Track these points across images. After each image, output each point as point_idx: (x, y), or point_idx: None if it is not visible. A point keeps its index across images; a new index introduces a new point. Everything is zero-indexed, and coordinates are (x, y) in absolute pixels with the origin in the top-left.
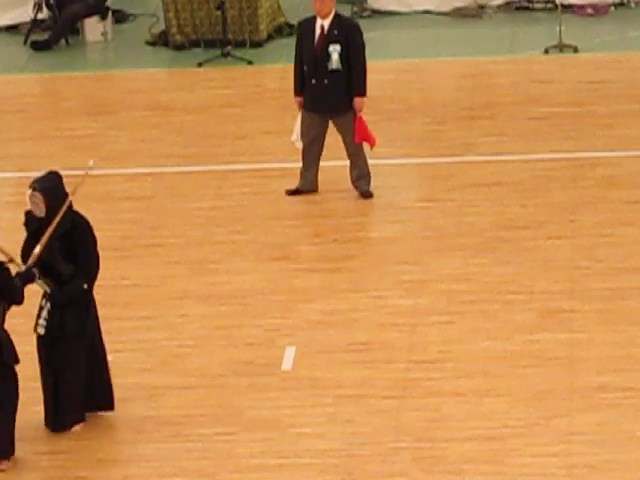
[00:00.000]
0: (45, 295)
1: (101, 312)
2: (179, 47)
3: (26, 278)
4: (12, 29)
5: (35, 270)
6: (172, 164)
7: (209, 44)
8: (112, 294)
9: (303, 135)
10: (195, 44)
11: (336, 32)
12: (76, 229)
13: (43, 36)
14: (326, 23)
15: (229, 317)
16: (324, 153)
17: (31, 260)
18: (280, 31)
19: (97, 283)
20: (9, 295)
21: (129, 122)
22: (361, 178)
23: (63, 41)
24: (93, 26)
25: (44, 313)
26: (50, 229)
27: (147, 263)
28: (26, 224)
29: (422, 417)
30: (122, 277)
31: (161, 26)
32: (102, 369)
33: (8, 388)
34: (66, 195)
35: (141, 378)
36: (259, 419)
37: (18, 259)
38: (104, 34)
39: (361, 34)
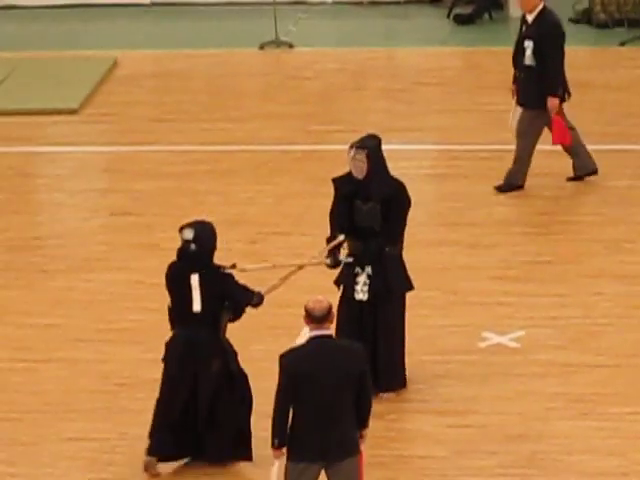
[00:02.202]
0: (356, 260)
1: (515, 288)
2: (602, 25)
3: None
4: (436, 2)
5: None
6: (591, 142)
7: (633, 23)
8: (527, 270)
9: None
10: (618, 23)
11: (534, 28)
12: (397, 195)
13: (467, 10)
14: (530, 18)
15: None
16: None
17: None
18: None
19: (513, 259)
20: (234, 304)
21: None
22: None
23: (486, 15)
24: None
25: (362, 278)
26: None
27: (563, 240)
28: (337, 189)
29: None
30: (537, 253)
31: (585, 4)
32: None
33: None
34: (384, 159)
35: (553, 355)
36: None
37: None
38: None
39: (559, 34)
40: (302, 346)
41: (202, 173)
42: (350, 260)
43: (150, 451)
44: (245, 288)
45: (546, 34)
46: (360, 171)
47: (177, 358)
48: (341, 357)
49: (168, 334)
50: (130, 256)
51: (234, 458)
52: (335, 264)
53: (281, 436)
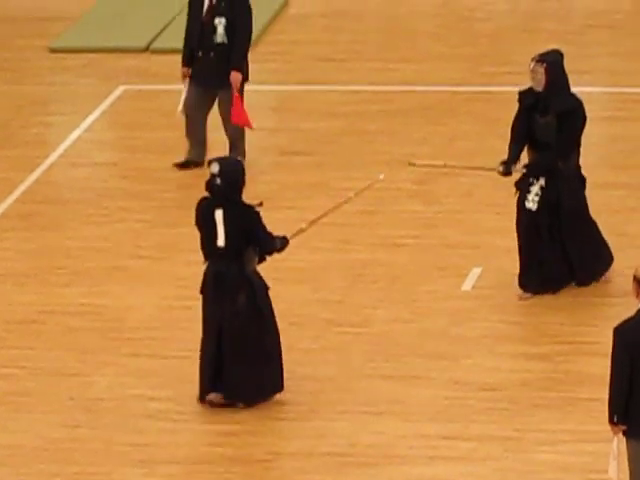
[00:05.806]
0: (531, 171)
1: None
2: None
3: None
4: None
5: None
6: None
7: None
8: None
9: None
10: None
11: (223, 4)
12: (573, 112)
13: None
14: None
15: None
16: None
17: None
18: None
19: None
20: (256, 242)
21: None
22: None
23: None
24: None
25: (535, 189)
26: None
27: None
28: (520, 101)
29: None
30: None
31: None
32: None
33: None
34: (565, 75)
35: None
36: None
37: None
38: None
39: (248, 9)
40: (635, 317)
41: (372, 113)
42: (523, 171)
43: (200, 398)
44: (269, 233)
45: (237, 9)
46: (538, 83)
47: (208, 293)
48: None
49: (339, 272)
50: (299, 195)
51: (251, 397)
52: (506, 173)
53: (622, 412)
